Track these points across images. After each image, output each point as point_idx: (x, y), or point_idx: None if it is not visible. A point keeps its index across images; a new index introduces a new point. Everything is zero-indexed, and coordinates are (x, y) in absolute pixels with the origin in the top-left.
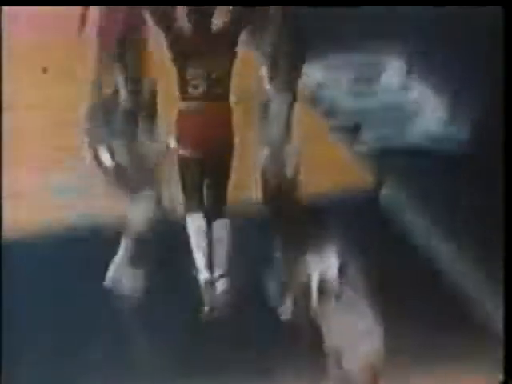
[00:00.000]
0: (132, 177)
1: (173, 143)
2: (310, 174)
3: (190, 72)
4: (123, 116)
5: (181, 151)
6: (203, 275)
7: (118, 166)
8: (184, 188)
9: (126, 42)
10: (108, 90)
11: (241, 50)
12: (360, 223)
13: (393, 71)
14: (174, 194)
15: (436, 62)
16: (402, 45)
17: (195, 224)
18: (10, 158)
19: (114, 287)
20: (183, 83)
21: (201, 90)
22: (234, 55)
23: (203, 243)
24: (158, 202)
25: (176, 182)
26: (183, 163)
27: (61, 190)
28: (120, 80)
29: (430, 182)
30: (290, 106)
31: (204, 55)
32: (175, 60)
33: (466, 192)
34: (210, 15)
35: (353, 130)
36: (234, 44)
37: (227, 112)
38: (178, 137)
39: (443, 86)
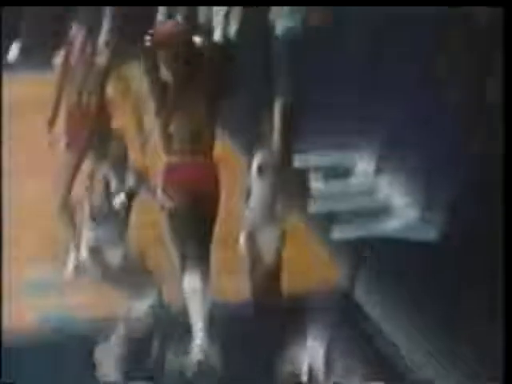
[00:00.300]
0: (134, 276)
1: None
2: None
3: (175, 126)
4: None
5: (167, 204)
6: (198, 340)
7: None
8: (175, 242)
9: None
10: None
11: None
12: (335, 319)
13: (363, 168)
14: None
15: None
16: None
17: (190, 286)
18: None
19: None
20: (167, 137)
21: (186, 144)
22: (217, 109)
23: (198, 307)
24: (160, 300)
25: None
26: (170, 216)
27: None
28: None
29: (405, 271)
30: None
31: (188, 108)
32: (159, 113)
33: (443, 280)
34: (193, 65)
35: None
36: (218, 97)
37: (213, 166)
38: (164, 189)
39: (416, 173)
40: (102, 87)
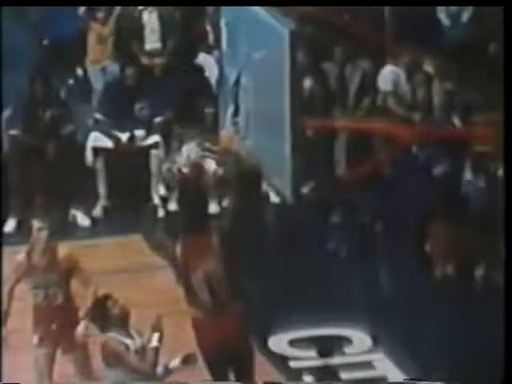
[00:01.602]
0: None
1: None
2: None
3: (195, 281)
4: None
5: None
6: None
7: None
8: None
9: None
10: None
11: None
12: None
13: (357, 343)
14: None
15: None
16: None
17: None
18: None
19: None
20: (189, 293)
21: (206, 296)
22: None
23: None
24: None
25: None
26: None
27: None
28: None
29: None
30: None
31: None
32: (180, 275)
33: None
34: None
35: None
36: None
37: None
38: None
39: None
40: (67, 280)
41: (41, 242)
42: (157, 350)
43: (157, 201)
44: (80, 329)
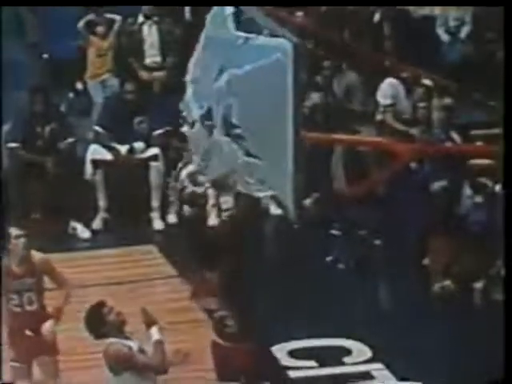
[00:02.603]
0: None
1: None
2: None
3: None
4: None
5: None
6: None
7: None
8: None
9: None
10: None
11: None
12: None
13: (357, 353)
14: None
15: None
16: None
17: None
18: None
19: None
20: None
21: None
22: None
23: None
24: None
25: None
26: None
27: None
28: None
29: None
30: None
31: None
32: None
33: None
34: None
35: None
36: None
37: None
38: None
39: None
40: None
41: (18, 249)
42: (161, 342)
43: (156, 213)
44: (46, 326)
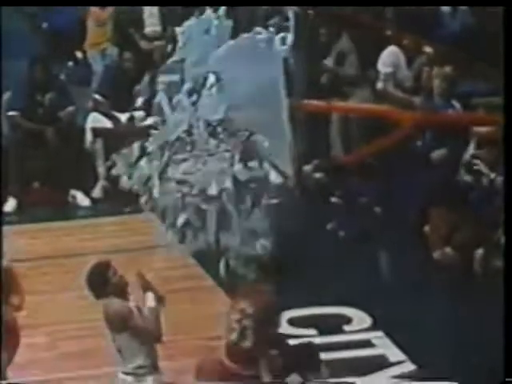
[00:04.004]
0: None
1: None
2: None
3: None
4: None
5: None
6: None
7: None
8: None
9: None
10: None
11: None
12: None
13: (357, 321)
14: None
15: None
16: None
17: None
18: None
19: None
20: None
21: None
22: None
23: None
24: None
25: None
26: None
27: None
28: None
29: None
30: None
31: None
32: None
33: None
34: None
35: None
36: None
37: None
38: None
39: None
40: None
41: None
42: (156, 310)
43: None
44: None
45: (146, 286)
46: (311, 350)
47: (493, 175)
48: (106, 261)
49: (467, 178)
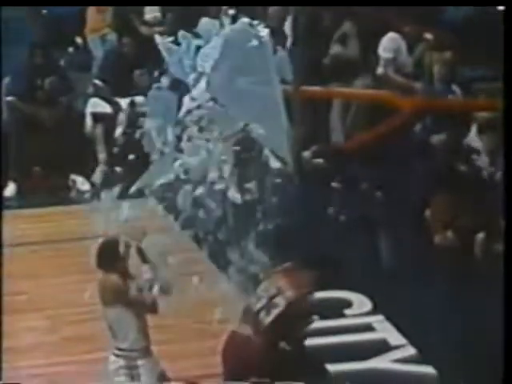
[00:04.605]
0: None
1: None
2: None
3: None
4: None
5: None
6: None
7: None
8: None
9: None
10: None
11: None
12: None
13: (357, 305)
14: None
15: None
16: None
17: None
18: None
19: None
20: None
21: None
22: None
23: None
24: None
25: None
26: None
27: None
28: None
29: None
30: None
31: None
32: None
33: None
34: None
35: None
36: None
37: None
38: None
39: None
40: None
41: None
42: (152, 279)
43: None
44: None
45: (144, 260)
46: (318, 360)
47: (493, 161)
48: (114, 237)
49: (468, 163)
